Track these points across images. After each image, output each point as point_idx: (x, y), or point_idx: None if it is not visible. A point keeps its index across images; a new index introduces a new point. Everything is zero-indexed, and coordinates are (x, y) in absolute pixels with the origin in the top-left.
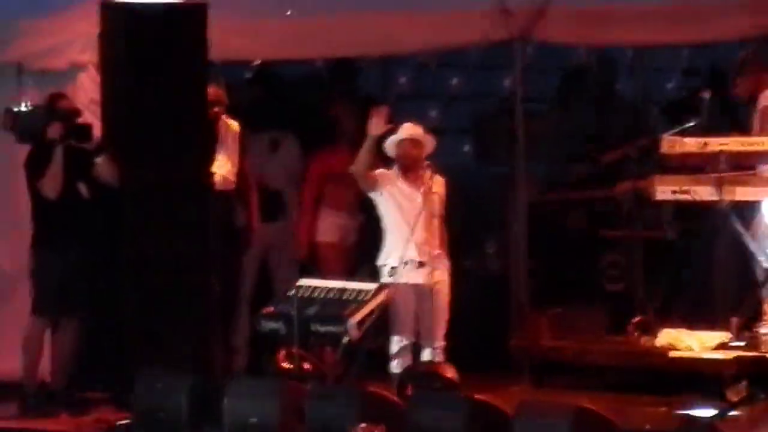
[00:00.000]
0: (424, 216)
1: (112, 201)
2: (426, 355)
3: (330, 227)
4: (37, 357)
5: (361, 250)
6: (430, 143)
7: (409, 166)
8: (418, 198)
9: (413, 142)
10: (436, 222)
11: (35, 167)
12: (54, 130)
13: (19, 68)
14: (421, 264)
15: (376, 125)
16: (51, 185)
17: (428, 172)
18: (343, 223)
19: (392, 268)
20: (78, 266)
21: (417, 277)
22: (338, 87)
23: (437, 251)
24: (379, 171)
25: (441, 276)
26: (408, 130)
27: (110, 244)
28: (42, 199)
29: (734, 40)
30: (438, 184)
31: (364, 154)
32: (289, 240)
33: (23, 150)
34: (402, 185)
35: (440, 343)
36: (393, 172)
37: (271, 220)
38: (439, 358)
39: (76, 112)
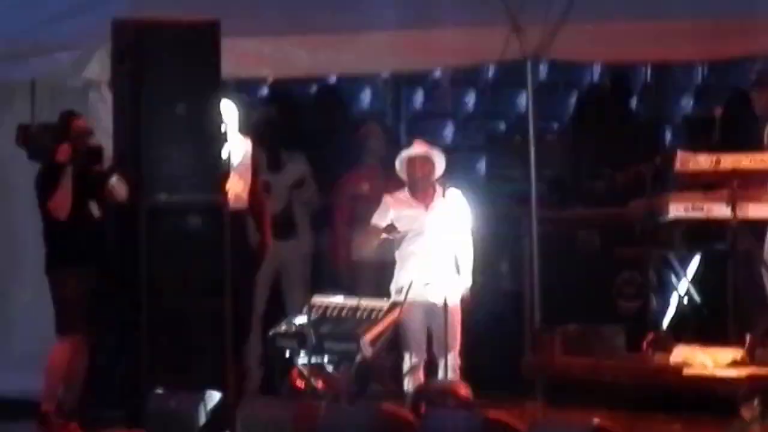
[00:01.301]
0: (431, 235)
1: (123, 220)
2: (440, 373)
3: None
4: (60, 379)
5: None
6: (439, 160)
7: (416, 185)
8: (425, 216)
9: (420, 159)
10: (446, 240)
11: (44, 187)
12: (63, 152)
13: (32, 85)
14: (428, 282)
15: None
16: (60, 206)
17: (439, 190)
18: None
19: (401, 287)
20: (92, 285)
21: (425, 295)
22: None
23: (447, 269)
24: (386, 197)
25: (452, 294)
26: (415, 148)
27: (122, 263)
28: (53, 219)
29: (752, 57)
30: (451, 200)
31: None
32: (301, 258)
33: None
34: (410, 204)
35: (454, 361)
36: (402, 193)
37: (283, 238)
38: (454, 375)
39: (88, 132)
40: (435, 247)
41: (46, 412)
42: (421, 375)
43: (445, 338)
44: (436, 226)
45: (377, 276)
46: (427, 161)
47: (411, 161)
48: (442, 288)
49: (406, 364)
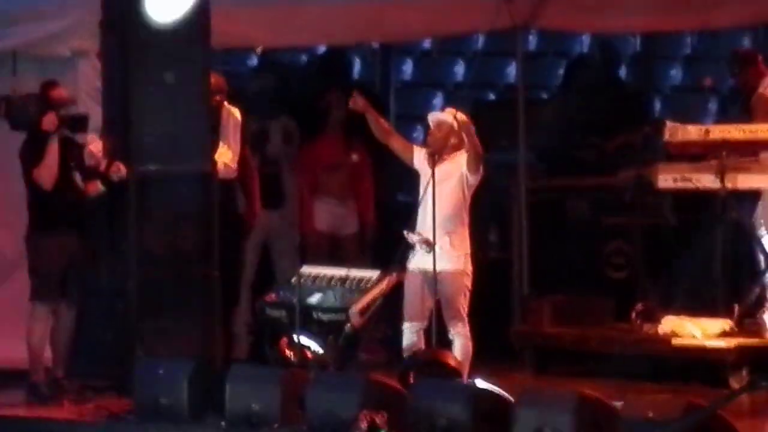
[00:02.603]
0: (435, 199)
1: (113, 189)
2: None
3: (325, 216)
4: (42, 345)
5: None
6: (453, 124)
7: (429, 145)
8: (438, 179)
9: (434, 125)
10: (450, 204)
11: (30, 157)
12: (49, 121)
13: (14, 55)
14: (429, 247)
15: (353, 102)
16: (46, 176)
17: (453, 155)
18: (337, 212)
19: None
20: (74, 254)
21: (424, 262)
22: (331, 76)
23: (447, 235)
24: (416, 146)
25: (450, 260)
26: (430, 117)
27: (108, 232)
28: (37, 188)
29: (739, 28)
30: (460, 163)
31: (372, 126)
32: (290, 227)
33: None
34: (423, 162)
35: (458, 328)
36: (424, 151)
37: (272, 207)
38: (465, 344)
39: (68, 102)
40: (436, 210)
41: (35, 382)
42: (419, 343)
43: (443, 306)
44: (438, 188)
45: (333, 244)
46: (439, 127)
47: (433, 123)
48: (440, 254)
49: (405, 332)
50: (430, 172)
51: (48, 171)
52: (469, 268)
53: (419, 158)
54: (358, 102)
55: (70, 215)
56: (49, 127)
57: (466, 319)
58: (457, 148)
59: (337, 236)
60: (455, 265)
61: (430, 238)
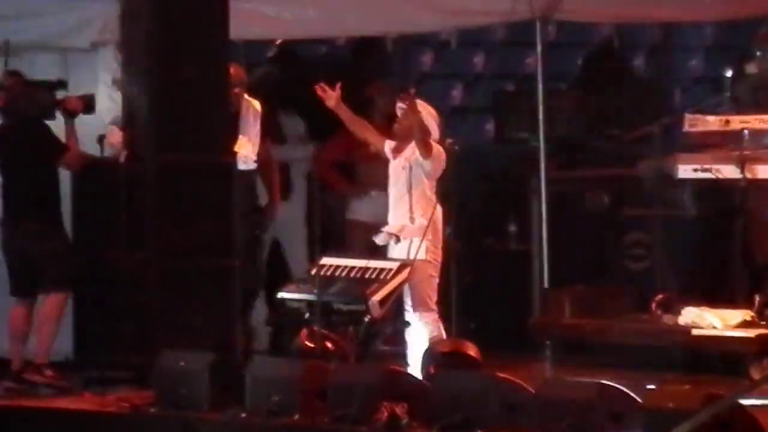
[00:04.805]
0: (400, 188)
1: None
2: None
3: (367, 206)
4: (19, 340)
5: None
6: (418, 113)
7: (398, 138)
8: (398, 168)
9: (401, 114)
10: (414, 192)
11: (52, 143)
12: (74, 104)
13: (6, 45)
14: (396, 239)
15: (325, 95)
16: (76, 159)
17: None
18: (380, 203)
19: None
20: (45, 242)
21: (394, 252)
22: (365, 67)
23: (412, 225)
24: (387, 140)
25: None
26: (398, 107)
27: (132, 223)
28: (18, 177)
29: (761, 18)
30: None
31: (347, 121)
32: (298, 219)
33: None
34: (391, 153)
35: (424, 317)
36: (392, 144)
37: (283, 199)
38: (437, 333)
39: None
40: (401, 199)
41: (17, 371)
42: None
43: (411, 295)
44: (398, 177)
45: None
46: (404, 115)
47: (400, 112)
48: (408, 244)
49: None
50: (394, 162)
51: (76, 155)
52: (433, 256)
53: (388, 149)
54: (330, 96)
55: (36, 204)
56: (75, 107)
57: (435, 307)
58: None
59: (381, 227)
60: (429, 249)
61: (394, 230)
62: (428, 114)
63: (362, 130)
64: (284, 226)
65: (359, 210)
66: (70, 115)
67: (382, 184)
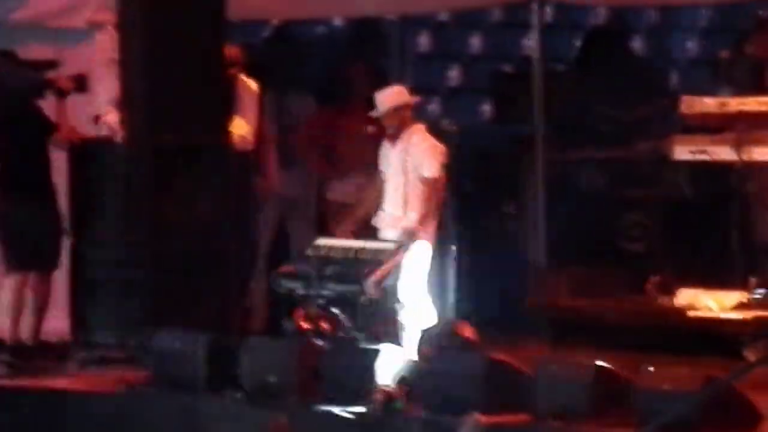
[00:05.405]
0: (392, 175)
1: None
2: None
3: (343, 187)
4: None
5: None
6: (398, 99)
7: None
8: (390, 156)
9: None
10: (404, 187)
11: (42, 120)
12: (66, 81)
13: None
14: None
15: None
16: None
17: (413, 127)
18: (357, 184)
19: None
20: (39, 221)
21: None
22: (358, 48)
23: (404, 216)
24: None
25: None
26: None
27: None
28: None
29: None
30: (412, 139)
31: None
32: (306, 200)
33: None
34: (385, 143)
35: (418, 298)
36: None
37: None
38: (427, 312)
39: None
40: (393, 188)
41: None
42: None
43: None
44: (395, 166)
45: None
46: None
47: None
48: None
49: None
50: (393, 150)
51: (66, 133)
52: (428, 237)
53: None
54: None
55: (34, 181)
56: (66, 86)
57: (428, 289)
58: (408, 123)
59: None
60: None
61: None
62: (433, 150)
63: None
64: (294, 206)
65: (339, 190)
66: (61, 95)
67: (362, 166)
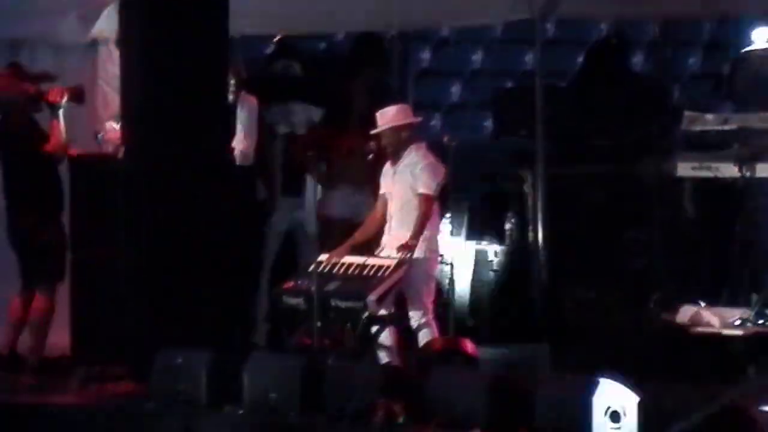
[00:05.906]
0: (394, 195)
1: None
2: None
3: (341, 203)
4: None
5: None
6: (389, 119)
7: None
8: (391, 177)
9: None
10: (409, 204)
11: (33, 133)
12: (56, 93)
13: None
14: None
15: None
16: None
17: (412, 147)
18: (353, 200)
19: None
20: (45, 237)
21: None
22: (360, 64)
23: (406, 236)
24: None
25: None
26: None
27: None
28: (8, 169)
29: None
30: (411, 159)
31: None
32: (313, 215)
33: None
34: (387, 165)
35: (420, 315)
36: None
37: (294, 195)
38: (429, 333)
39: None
40: (398, 207)
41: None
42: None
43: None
44: (399, 185)
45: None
46: (384, 134)
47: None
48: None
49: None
50: (389, 170)
51: (58, 146)
52: (430, 254)
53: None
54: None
55: (40, 197)
56: (56, 98)
57: (431, 305)
58: (408, 142)
59: (353, 224)
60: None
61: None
62: (432, 168)
63: (374, 229)
64: (298, 220)
65: (330, 206)
66: (52, 107)
67: (354, 182)
